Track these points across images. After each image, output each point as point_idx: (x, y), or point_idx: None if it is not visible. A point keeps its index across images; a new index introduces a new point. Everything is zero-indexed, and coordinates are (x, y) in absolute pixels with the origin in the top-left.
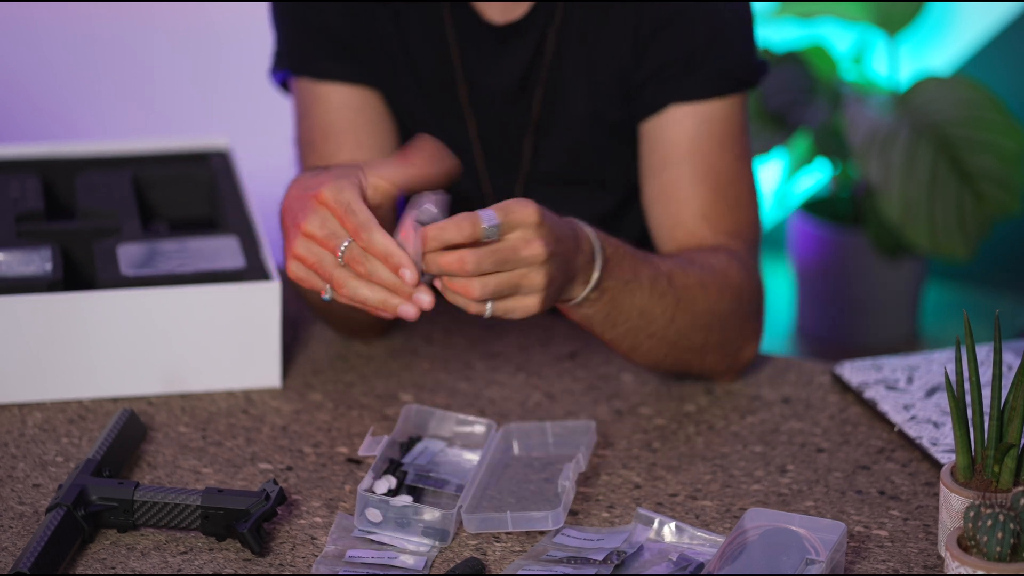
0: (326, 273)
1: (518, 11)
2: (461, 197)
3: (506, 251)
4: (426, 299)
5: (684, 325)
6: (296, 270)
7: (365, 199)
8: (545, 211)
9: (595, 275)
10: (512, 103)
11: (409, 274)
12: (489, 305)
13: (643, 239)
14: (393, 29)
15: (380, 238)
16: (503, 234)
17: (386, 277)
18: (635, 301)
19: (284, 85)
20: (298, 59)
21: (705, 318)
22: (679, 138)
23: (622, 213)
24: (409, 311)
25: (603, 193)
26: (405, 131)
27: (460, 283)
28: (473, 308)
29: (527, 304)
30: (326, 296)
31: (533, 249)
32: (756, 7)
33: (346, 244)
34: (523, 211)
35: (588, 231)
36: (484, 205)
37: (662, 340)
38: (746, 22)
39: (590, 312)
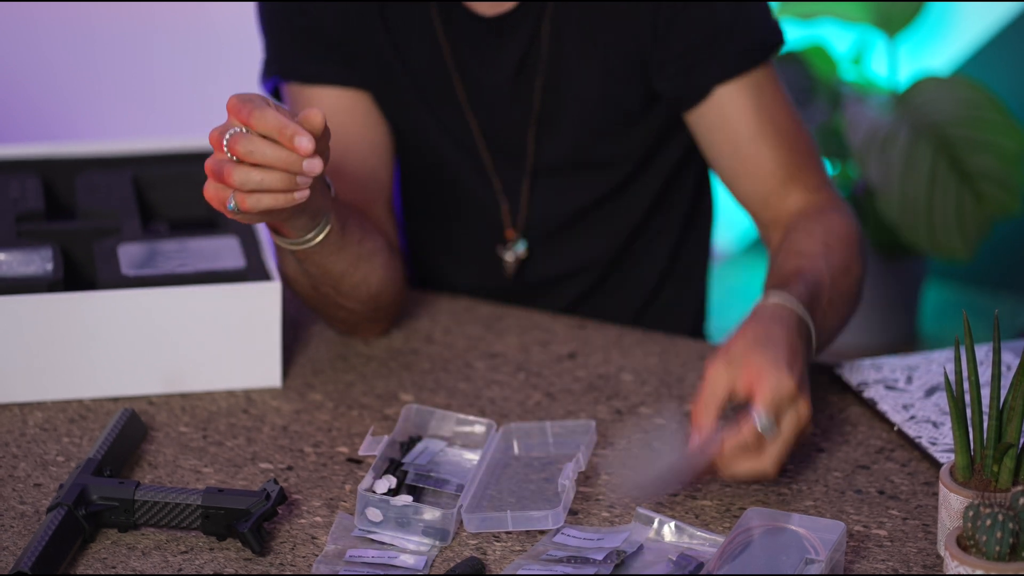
0: (218, 172)
1: (507, 3)
2: (471, 191)
3: (791, 437)
4: (317, 163)
5: (851, 301)
6: (207, 188)
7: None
8: (790, 357)
9: (814, 341)
10: (511, 95)
11: (305, 141)
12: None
13: (649, 214)
14: (381, 29)
15: (272, 114)
16: (777, 421)
17: (268, 153)
18: (827, 325)
19: (275, 94)
20: (286, 64)
21: (857, 285)
22: (741, 114)
23: (624, 191)
24: (301, 195)
25: (608, 174)
26: (403, 130)
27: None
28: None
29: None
30: (230, 205)
31: (804, 411)
32: None
33: (231, 132)
34: (781, 389)
35: (801, 314)
36: (495, 199)
37: (846, 323)
38: None
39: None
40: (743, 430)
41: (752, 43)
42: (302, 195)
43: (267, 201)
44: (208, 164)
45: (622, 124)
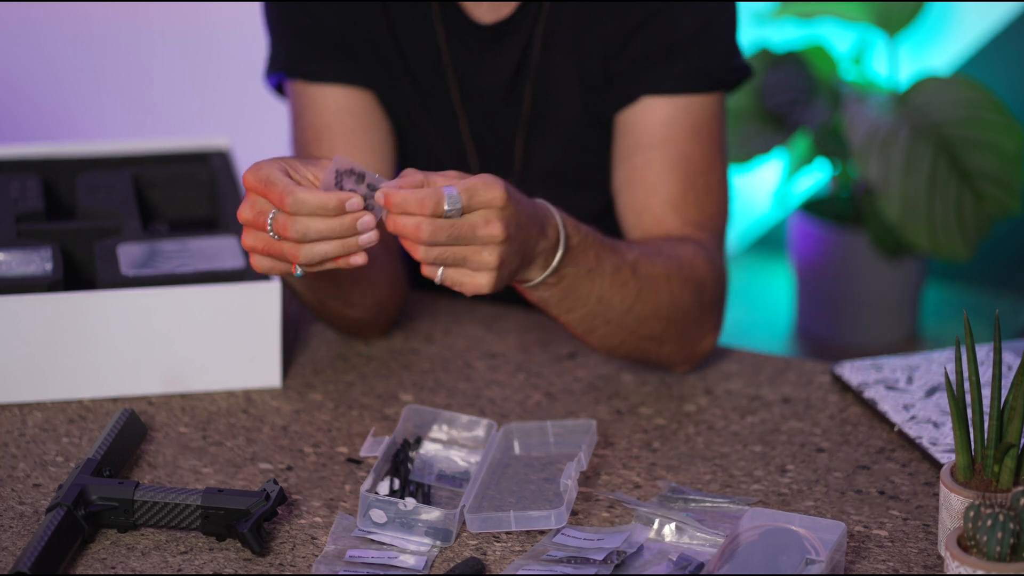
0: (277, 251)
1: (505, 10)
2: None
3: (463, 228)
4: (373, 235)
5: (643, 314)
6: (258, 262)
7: (290, 174)
8: (513, 193)
9: (555, 261)
10: (503, 102)
11: (356, 201)
12: (440, 271)
13: None
14: (384, 28)
15: (305, 195)
16: (465, 212)
17: (322, 227)
18: (593, 288)
19: (279, 89)
20: (291, 61)
21: (665, 309)
22: (651, 124)
23: (613, 214)
24: (359, 259)
25: (597, 192)
26: (402, 129)
27: (408, 243)
28: (424, 270)
29: (477, 282)
30: (297, 273)
31: (491, 229)
32: (756, 7)
33: (271, 216)
34: (489, 193)
35: (557, 218)
36: None
37: (619, 327)
38: (730, 23)
39: (546, 295)
40: (429, 192)
41: (700, 69)
42: (361, 259)
43: (329, 265)
44: (254, 244)
45: (605, 138)
